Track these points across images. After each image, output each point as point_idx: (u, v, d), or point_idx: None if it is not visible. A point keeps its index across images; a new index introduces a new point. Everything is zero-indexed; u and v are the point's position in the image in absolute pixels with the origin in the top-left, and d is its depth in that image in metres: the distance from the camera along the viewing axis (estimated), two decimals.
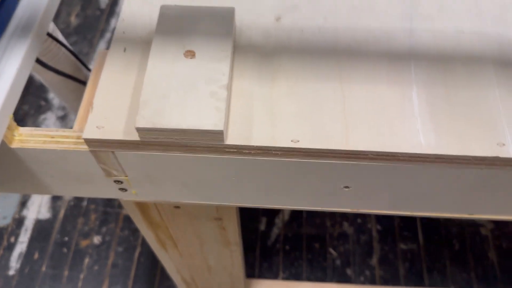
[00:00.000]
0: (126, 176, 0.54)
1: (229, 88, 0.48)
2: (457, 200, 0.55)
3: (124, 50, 0.53)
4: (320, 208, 0.57)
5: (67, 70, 0.90)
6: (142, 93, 0.46)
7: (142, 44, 0.54)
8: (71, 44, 1.04)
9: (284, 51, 0.54)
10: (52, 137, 0.50)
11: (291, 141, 0.47)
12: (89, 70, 0.97)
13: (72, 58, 0.90)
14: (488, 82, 0.51)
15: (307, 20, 0.56)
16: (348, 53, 0.53)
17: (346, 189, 0.53)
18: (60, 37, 0.87)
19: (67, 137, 0.50)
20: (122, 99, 0.49)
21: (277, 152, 0.47)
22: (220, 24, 0.51)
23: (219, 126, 0.44)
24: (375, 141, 0.47)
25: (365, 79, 0.51)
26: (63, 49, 0.86)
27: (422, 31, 0.55)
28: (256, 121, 0.48)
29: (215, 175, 0.52)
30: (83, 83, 0.94)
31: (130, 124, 0.47)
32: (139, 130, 0.45)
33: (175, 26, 0.51)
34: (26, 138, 0.50)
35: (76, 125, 0.52)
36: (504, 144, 0.47)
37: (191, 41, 0.50)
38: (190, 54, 0.49)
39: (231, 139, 0.47)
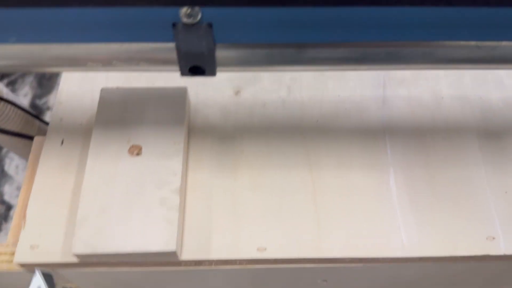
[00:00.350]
0: (75, 285, 0.48)
1: (182, 190, 0.42)
2: (441, 284, 0.50)
3: (62, 142, 0.46)
4: None
5: (17, 127, 0.82)
6: (79, 208, 0.40)
7: (82, 134, 0.47)
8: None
9: (246, 131, 0.48)
10: None
11: (257, 249, 0.41)
12: (43, 122, 0.89)
13: (20, 112, 0.82)
14: (474, 159, 0.46)
15: (270, 92, 0.50)
16: (316, 131, 0.47)
17: (325, 282, 0.48)
18: (5, 91, 0.79)
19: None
20: (59, 209, 0.43)
21: (242, 262, 0.41)
22: (170, 109, 0.45)
23: (170, 246, 0.38)
24: (352, 245, 0.41)
25: (337, 164, 0.45)
26: (10, 106, 0.78)
27: (396, 98, 0.50)
28: (216, 226, 0.42)
29: (173, 284, 0.46)
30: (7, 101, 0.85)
31: (68, 242, 0.41)
32: (77, 255, 0.39)
33: (118, 115, 0.45)
34: None
35: (10, 237, 0.45)
36: (494, 238, 0.42)
37: (137, 133, 0.43)
38: (136, 150, 0.43)
39: (187, 254, 0.41)
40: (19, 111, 0.81)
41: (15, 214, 0.46)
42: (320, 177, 0.45)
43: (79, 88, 0.50)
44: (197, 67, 0.31)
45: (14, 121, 0.81)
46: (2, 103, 0.77)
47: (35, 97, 1.59)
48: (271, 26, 0.29)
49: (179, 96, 0.45)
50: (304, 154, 0.46)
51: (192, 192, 0.43)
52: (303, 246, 0.41)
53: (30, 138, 0.86)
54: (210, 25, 0.29)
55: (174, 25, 0.29)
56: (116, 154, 0.42)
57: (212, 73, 0.32)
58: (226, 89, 0.50)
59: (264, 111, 0.49)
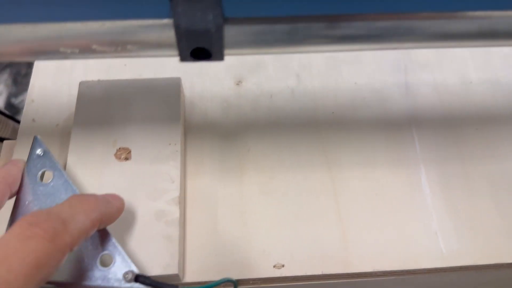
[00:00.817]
0: None
1: (181, 200, 0.35)
2: None
3: None
4: None
5: None
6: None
7: (59, 137, 0.40)
8: None
9: (251, 127, 0.41)
10: None
11: (274, 266, 0.35)
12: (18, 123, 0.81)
13: None
14: (510, 148, 0.40)
15: (276, 81, 0.44)
16: (333, 124, 0.41)
17: None
18: None
19: None
20: None
21: (256, 281, 0.35)
22: (162, 104, 0.38)
23: (172, 268, 0.32)
24: (383, 256, 0.35)
25: (359, 161, 0.39)
26: None
27: (420, 84, 0.44)
28: (223, 241, 0.36)
29: None
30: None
31: None
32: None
33: (100, 112, 0.38)
34: None
35: None
36: None
37: (124, 133, 0.37)
38: (124, 153, 0.36)
39: (191, 276, 0.34)
40: None
41: None
42: (341, 177, 0.38)
43: (53, 83, 0.43)
44: (201, 49, 0.24)
45: None
46: None
47: (10, 95, 1.50)
48: None
49: (172, 89, 0.38)
50: (321, 152, 0.40)
51: (192, 202, 0.37)
52: (327, 260, 0.35)
53: (2, 140, 0.78)
54: None
55: None
56: (100, 159, 0.35)
57: (220, 56, 0.25)
58: (225, 79, 0.44)
59: (271, 103, 0.42)
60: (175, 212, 0.33)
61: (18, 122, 0.81)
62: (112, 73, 0.43)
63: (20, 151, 0.39)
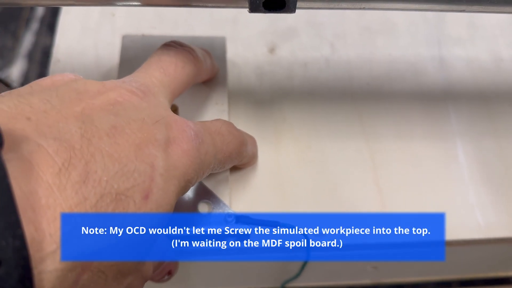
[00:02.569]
0: None
1: None
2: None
3: None
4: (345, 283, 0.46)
5: None
6: None
7: None
8: None
9: (286, 96, 0.40)
10: None
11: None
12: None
13: None
14: None
15: (310, 50, 0.43)
16: (368, 95, 0.41)
17: (375, 269, 0.42)
18: None
19: None
20: None
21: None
22: None
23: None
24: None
25: (396, 133, 0.39)
26: None
27: (454, 59, 0.44)
28: (264, 207, 0.35)
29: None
30: None
31: None
32: None
33: None
34: None
35: None
36: None
37: None
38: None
39: None
40: None
41: None
42: (378, 148, 0.38)
43: (79, 43, 0.41)
44: None
45: None
46: None
47: None
48: None
49: (218, 48, 0.37)
50: (357, 122, 0.39)
51: (232, 168, 0.36)
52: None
53: None
54: None
55: None
56: None
57: (293, 8, 0.24)
58: (258, 45, 0.43)
59: (306, 72, 0.42)
60: (224, 171, 0.33)
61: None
62: (141, 32, 0.41)
63: None
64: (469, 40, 0.45)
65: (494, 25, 0.46)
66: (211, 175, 0.33)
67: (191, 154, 0.23)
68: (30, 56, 1.62)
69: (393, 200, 0.36)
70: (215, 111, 0.35)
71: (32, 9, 1.81)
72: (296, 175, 0.37)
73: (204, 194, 0.32)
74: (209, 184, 0.32)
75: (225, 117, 0.35)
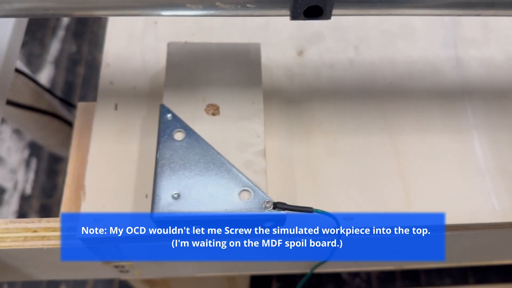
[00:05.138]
0: (130, 262, 0.44)
1: (265, 154, 0.38)
2: None
3: (116, 107, 0.42)
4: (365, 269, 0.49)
5: (27, 100, 0.76)
6: (157, 171, 0.35)
7: (137, 99, 0.42)
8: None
9: (314, 94, 0.44)
10: (35, 231, 0.39)
11: (344, 219, 0.38)
12: (55, 96, 0.83)
13: (31, 84, 0.76)
14: None
15: (336, 52, 0.46)
16: (391, 93, 0.44)
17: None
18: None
19: (54, 229, 0.39)
20: (123, 177, 0.39)
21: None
22: (245, 67, 0.41)
23: None
24: (443, 212, 0.38)
25: (417, 127, 0.42)
26: (22, 77, 0.72)
27: (470, 59, 0.47)
28: (299, 195, 0.39)
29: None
30: (48, 113, 0.81)
31: (139, 210, 0.37)
32: (155, 219, 0.35)
33: (188, 72, 0.40)
34: (0, 235, 0.39)
35: (63, 210, 0.41)
36: None
37: (211, 91, 0.39)
38: (213, 109, 0.39)
39: None
40: (31, 83, 0.75)
41: (65, 186, 0.42)
42: (401, 142, 0.41)
43: (126, 48, 0.45)
44: (314, 7, 0.27)
45: (24, 94, 0.75)
46: (14, 74, 0.71)
47: None
48: None
49: (254, 53, 0.41)
50: (381, 118, 0.43)
51: (268, 159, 0.40)
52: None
53: (40, 112, 0.81)
54: None
55: None
56: (191, 113, 0.38)
57: (329, 15, 0.28)
58: (288, 49, 0.47)
59: (332, 73, 0.45)
60: (262, 162, 0.36)
61: (54, 95, 0.83)
62: (181, 39, 0.45)
63: (100, 112, 0.41)
64: (484, 41, 0.48)
65: (507, 26, 0.49)
66: (248, 167, 0.36)
67: None
68: (57, 63, 1.68)
69: (416, 189, 0.39)
70: (252, 110, 0.39)
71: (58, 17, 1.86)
72: (325, 166, 0.40)
73: (244, 183, 0.35)
74: (248, 175, 0.36)
75: (260, 115, 0.39)
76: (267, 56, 0.46)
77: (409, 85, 0.45)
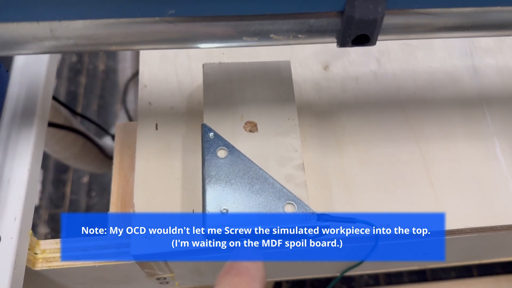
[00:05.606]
0: (172, 274, 0.46)
1: (304, 167, 0.40)
2: None
3: (156, 127, 0.44)
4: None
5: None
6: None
7: (176, 118, 0.44)
8: None
9: (342, 107, 0.46)
10: (84, 250, 0.41)
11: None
12: (69, 109, 0.85)
13: (53, 103, 0.77)
14: None
15: (359, 66, 0.49)
16: (415, 103, 0.47)
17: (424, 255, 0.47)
18: None
19: (104, 247, 0.41)
20: (168, 194, 0.41)
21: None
22: (278, 84, 0.43)
23: None
24: (471, 215, 0.41)
25: (442, 135, 0.45)
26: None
27: (486, 67, 0.49)
28: (336, 206, 0.41)
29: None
30: (65, 127, 0.82)
31: (187, 225, 0.39)
32: (208, 235, 0.37)
33: (225, 91, 0.42)
34: (51, 255, 0.40)
35: (111, 227, 0.42)
36: None
37: (248, 109, 0.41)
38: (251, 126, 0.41)
39: None
40: (54, 103, 0.77)
41: (111, 205, 0.44)
42: (428, 149, 0.44)
43: (160, 70, 0.47)
44: (362, 36, 0.29)
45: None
46: None
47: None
48: None
49: (284, 71, 0.43)
50: (407, 127, 0.45)
51: (305, 171, 0.42)
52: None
53: (57, 126, 0.82)
54: None
55: None
56: (231, 131, 0.40)
57: (374, 41, 0.30)
58: (313, 64, 0.49)
59: (358, 85, 0.48)
60: (302, 176, 0.38)
61: (71, 110, 0.85)
62: (213, 60, 0.47)
63: (142, 132, 0.43)
64: (497, 49, 0.51)
65: None
66: (290, 180, 0.38)
67: None
68: (58, 73, 1.68)
69: (444, 193, 0.42)
70: (288, 125, 0.41)
71: None
72: (358, 175, 0.43)
73: (287, 197, 0.38)
74: (290, 188, 0.38)
75: (296, 130, 0.41)
76: (294, 72, 0.48)
77: (430, 95, 0.47)
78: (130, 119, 1.29)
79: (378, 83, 0.48)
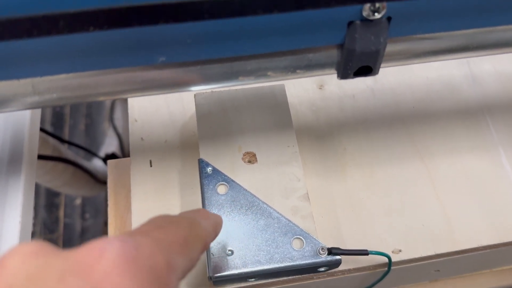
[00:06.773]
0: None
1: (308, 197, 0.38)
2: None
3: (150, 163, 0.42)
4: None
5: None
6: None
7: (170, 152, 0.42)
8: None
9: (341, 127, 0.45)
10: None
11: (392, 252, 0.39)
12: (64, 141, 0.82)
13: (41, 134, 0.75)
14: None
15: (355, 82, 0.47)
16: (415, 117, 0.45)
17: (438, 272, 0.46)
18: None
19: None
20: None
21: (376, 266, 0.39)
22: (273, 109, 0.41)
23: None
24: (484, 231, 0.40)
25: (446, 149, 0.44)
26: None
27: (484, 74, 0.48)
28: (345, 233, 0.39)
29: None
30: (53, 158, 0.80)
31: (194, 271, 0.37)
32: (214, 281, 0.35)
33: (219, 121, 0.40)
34: None
35: None
36: None
37: (245, 139, 0.40)
38: (249, 156, 0.39)
39: None
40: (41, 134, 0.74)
41: None
42: (434, 165, 0.43)
43: (150, 103, 0.45)
44: (364, 67, 0.28)
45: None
46: None
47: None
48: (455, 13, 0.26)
49: (280, 94, 0.42)
50: (410, 143, 0.44)
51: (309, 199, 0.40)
52: (438, 241, 0.39)
53: (45, 158, 0.79)
54: (389, 19, 0.26)
55: (350, 24, 0.25)
56: (230, 164, 0.38)
57: (377, 71, 0.28)
58: (308, 83, 0.47)
59: (355, 103, 0.46)
60: (307, 207, 0.37)
61: (58, 138, 0.82)
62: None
63: (136, 170, 0.41)
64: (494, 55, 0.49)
65: None
66: (296, 213, 0.37)
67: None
68: None
69: (454, 210, 0.40)
70: (289, 153, 0.39)
71: None
72: (365, 199, 0.41)
73: (294, 231, 0.36)
74: (296, 221, 0.37)
75: (297, 157, 0.39)
76: (289, 93, 0.46)
77: (430, 108, 0.46)
78: (119, 136, 1.26)
79: (376, 99, 0.46)
